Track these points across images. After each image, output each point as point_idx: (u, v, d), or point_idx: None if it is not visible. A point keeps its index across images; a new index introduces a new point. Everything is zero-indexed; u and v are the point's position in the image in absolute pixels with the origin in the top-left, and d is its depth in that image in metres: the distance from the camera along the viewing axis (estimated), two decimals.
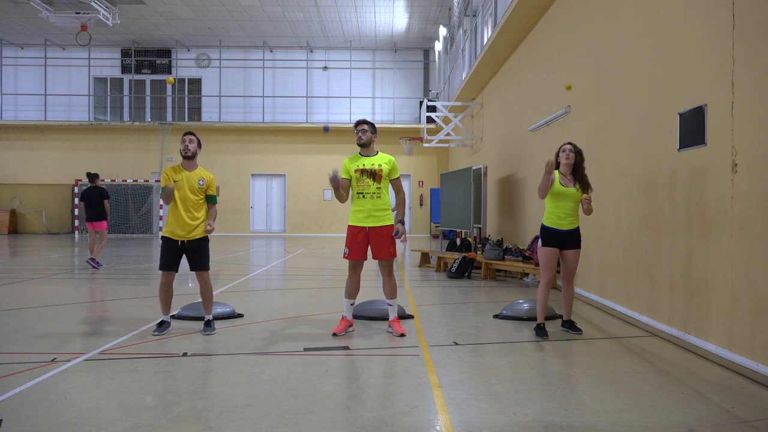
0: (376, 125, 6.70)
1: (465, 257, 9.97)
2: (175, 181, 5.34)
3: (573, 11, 8.18)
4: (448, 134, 17.18)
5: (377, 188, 5.40)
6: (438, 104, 16.74)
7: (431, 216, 23.45)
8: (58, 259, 13.42)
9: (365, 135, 5.50)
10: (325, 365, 4.39)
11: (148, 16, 20.91)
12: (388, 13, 20.74)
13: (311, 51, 24.59)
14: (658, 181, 5.46)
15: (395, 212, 5.57)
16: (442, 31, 20.41)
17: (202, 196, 5.45)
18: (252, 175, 24.18)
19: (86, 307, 7.03)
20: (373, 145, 5.56)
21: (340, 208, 22.69)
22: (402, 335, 5.33)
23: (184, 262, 5.45)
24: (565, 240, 5.41)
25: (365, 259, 5.46)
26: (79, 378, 4.03)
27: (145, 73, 24.58)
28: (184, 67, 24.63)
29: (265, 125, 23.61)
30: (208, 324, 5.48)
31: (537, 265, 8.56)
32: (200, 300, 5.65)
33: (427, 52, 24.78)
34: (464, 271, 9.87)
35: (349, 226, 5.47)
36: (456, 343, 5.09)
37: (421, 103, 22.18)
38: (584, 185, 5.41)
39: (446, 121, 18.80)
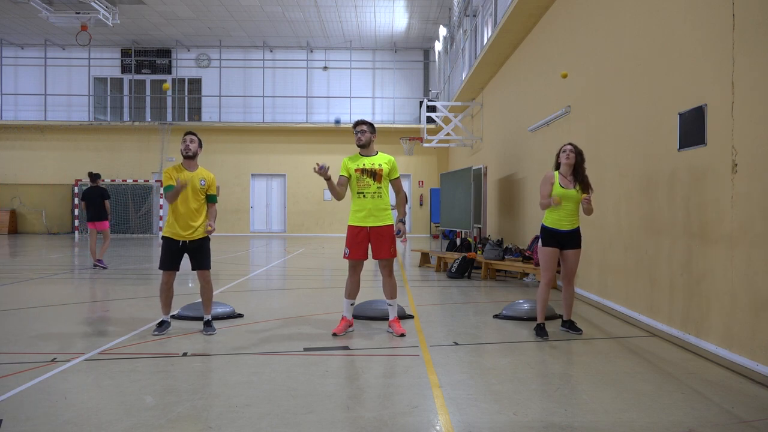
0: (376, 125, 6.70)
1: (465, 257, 9.97)
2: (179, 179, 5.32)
3: (573, 11, 8.18)
4: (448, 134, 17.18)
5: (378, 188, 5.40)
6: (438, 104, 16.74)
7: (431, 216, 23.45)
8: (58, 259, 13.42)
9: (364, 135, 5.50)
10: (325, 365, 4.39)
11: (148, 16, 20.91)
12: (388, 13, 20.74)
13: (311, 51, 24.59)
14: (658, 181, 5.46)
15: (395, 211, 5.58)
16: (442, 31, 20.41)
17: (203, 197, 5.45)
18: (252, 175, 24.19)
19: (86, 307, 7.03)
20: (373, 145, 5.56)
21: (340, 208, 22.69)
22: (402, 335, 5.33)
23: (184, 262, 5.45)
24: (566, 240, 5.41)
25: (366, 259, 5.46)
26: (79, 378, 4.03)
27: (145, 73, 24.58)
28: (184, 67, 24.63)
29: (265, 125, 23.61)
30: (208, 324, 5.48)
31: (537, 265, 8.56)
32: (200, 300, 5.65)
33: (427, 52, 24.79)
34: (464, 271, 9.87)
35: (350, 226, 5.47)
36: (456, 343, 5.09)
37: (421, 103, 22.18)
38: (585, 186, 5.41)
39: (446, 121, 18.80)
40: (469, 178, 12.36)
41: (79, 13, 17.23)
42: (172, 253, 5.34)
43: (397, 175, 5.55)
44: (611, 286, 6.66)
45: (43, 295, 7.79)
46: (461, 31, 16.94)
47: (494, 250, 9.83)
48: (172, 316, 6.02)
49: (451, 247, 11.97)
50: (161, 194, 23.03)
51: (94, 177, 11.57)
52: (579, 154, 5.46)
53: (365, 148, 5.52)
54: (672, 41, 5.25)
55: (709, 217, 4.59)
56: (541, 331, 5.32)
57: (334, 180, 5.41)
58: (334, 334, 5.34)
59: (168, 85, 6.74)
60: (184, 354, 4.66)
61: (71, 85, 24.31)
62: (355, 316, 6.00)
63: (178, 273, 5.48)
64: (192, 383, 3.94)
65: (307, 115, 24.09)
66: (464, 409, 3.44)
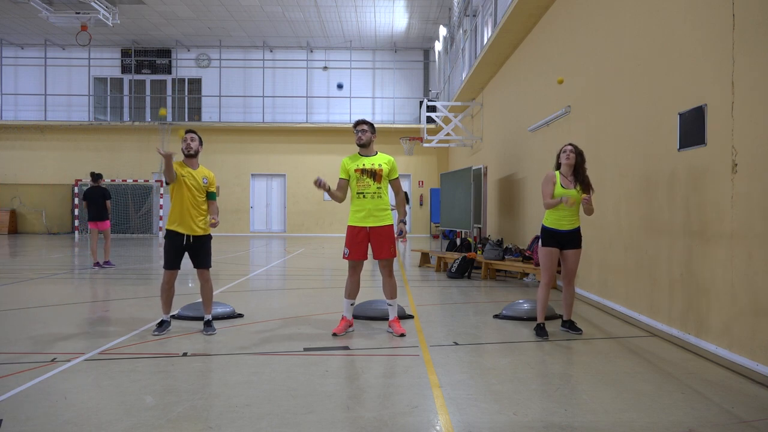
0: (376, 125, 6.70)
1: (465, 257, 9.97)
2: (182, 176, 5.33)
3: (573, 11, 8.18)
4: (448, 134, 17.18)
5: (377, 188, 5.40)
6: (438, 104, 16.74)
7: (431, 216, 23.46)
8: (58, 259, 13.42)
9: (365, 135, 5.50)
10: (325, 365, 4.39)
11: (148, 16, 20.91)
12: (388, 13, 20.74)
13: (311, 51, 24.59)
14: (658, 181, 5.46)
15: (395, 212, 5.58)
16: (442, 31, 20.41)
17: (204, 195, 5.49)
18: (252, 175, 24.19)
19: (86, 307, 7.03)
20: (373, 145, 5.56)
21: (340, 208, 22.69)
22: (402, 335, 5.33)
23: (185, 262, 5.46)
24: (566, 240, 5.41)
25: (365, 259, 5.46)
26: (79, 378, 4.03)
27: (145, 73, 24.58)
28: (184, 67, 24.63)
29: (265, 125, 23.61)
30: (208, 324, 5.49)
31: (537, 265, 8.56)
32: (200, 300, 5.65)
33: (427, 52, 24.78)
34: (464, 271, 9.87)
35: (349, 227, 5.47)
36: (456, 343, 5.09)
37: (421, 103, 22.18)
38: (585, 186, 5.41)
39: (446, 121, 18.80)
40: (469, 178, 12.36)
41: (79, 13, 17.23)
42: (175, 249, 5.36)
43: (397, 176, 5.56)
44: (611, 286, 6.66)
45: (43, 295, 7.79)
46: (461, 31, 16.94)
47: (494, 250, 9.83)
48: (172, 316, 6.02)
49: (451, 247, 11.97)
50: (161, 194, 23.05)
51: (95, 177, 11.67)
52: (579, 155, 5.47)
53: (365, 147, 5.52)
54: (672, 41, 5.25)
55: (709, 217, 4.59)
56: (541, 331, 5.33)
57: (333, 185, 5.44)
58: (334, 334, 5.34)
59: (165, 111, 6.73)
60: (184, 354, 4.67)
61: (71, 85, 24.31)
62: (355, 316, 6.00)
63: (178, 273, 5.49)
64: (192, 383, 3.94)
65: (307, 115, 24.09)
66: (464, 409, 3.44)
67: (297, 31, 22.71)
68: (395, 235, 5.51)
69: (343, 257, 5.49)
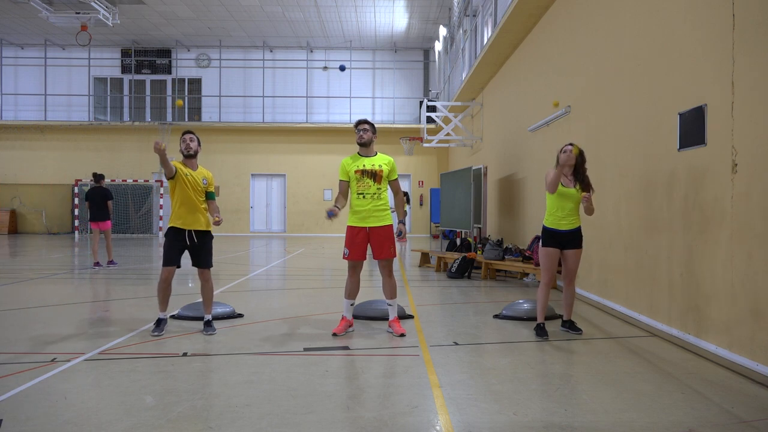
0: (376, 125, 6.71)
1: (465, 257, 9.97)
2: (184, 174, 5.33)
3: (573, 11, 8.18)
4: (448, 134, 17.18)
5: (377, 189, 5.41)
6: (438, 104, 16.74)
7: (431, 216, 23.45)
8: (58, 259, 13.42)
9: (366, 134, 5.51)
10: (325, 365, 4.39)
11: (148, 16, 20.91)
12: (388, 13, 20.74)
13: (311, 51, 24.59)
14: (658, 181, 5.46)
15: (394, 212, 5.59)
16: (442, 31, 20.41)
17: (203, 196, 5.50)
18: (252, 175, 24.19)
19: (86, 307, 7.03)
20: (373, 145, 5.57)
21: None
22: (402, 335, 5.33)
23: (185, 262, 5.45)
24: (566, 240, 5.41)
25: (365, 259, 5.47)
26: (79, 378, 4.03)
27: (145, 73, 24.58)
28: (184, 67, 24.63)
29: (265, 125, 23.61)
30: (209, 324, 5.48)
31: (537, 265, 8.56)
32: (200, 300, 5.65)
33: (427, 52, 24.78)
34: (464, 271, 9.87)
35: (349, 227, 5.47)
36: (456, 343, 5.09)
37: (421, 103, 22.18)
38: (585, 186, 5.41)
39: (446, 121, 18.80)
40: (469, 178, 12.36)
41: (79, 13, 17.23)
42: (176, 246, 5.35)
43: (396, 176, 5.57)
44: (611, 286, 6.66)
45: (43, 295, 7.79)
46: (461, 31, 16.94)
47: (494, 250, 9.83)
48: (172, 316, 6.02)
49: (451, 247, 11.97)
50: (161, 194, 23.05)
51: (98, 178, 11.80)
52: (580, 154, 5.47)
53: (366, 147, 5.53)
54: (672, 41, 5.25)
55: (709, 217, 4.59)
56: (541, 331, 5.33)
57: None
58: (334, 334, 5.34)
59: (181, 102, 6.80)
60: (184, 354, 4.67)
61: (71, 85, 24.31)
62: (355, 316, 6.00)
63: (178, 272, 5.48)
64: (192, 383, 3.94)
65: (307, 115, 24.09)
66: (464, 409, 3.44)
67: (297, 31, 22.71)
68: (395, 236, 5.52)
69: (343, 257, 5.49)
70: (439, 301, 7.67)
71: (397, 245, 6.30)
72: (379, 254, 5.41)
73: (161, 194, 23.08)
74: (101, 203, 11.39)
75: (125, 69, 24.54)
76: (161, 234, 22.12)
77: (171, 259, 5.35)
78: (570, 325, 5.55)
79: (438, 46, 21.52)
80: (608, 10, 6.85)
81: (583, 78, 7.63)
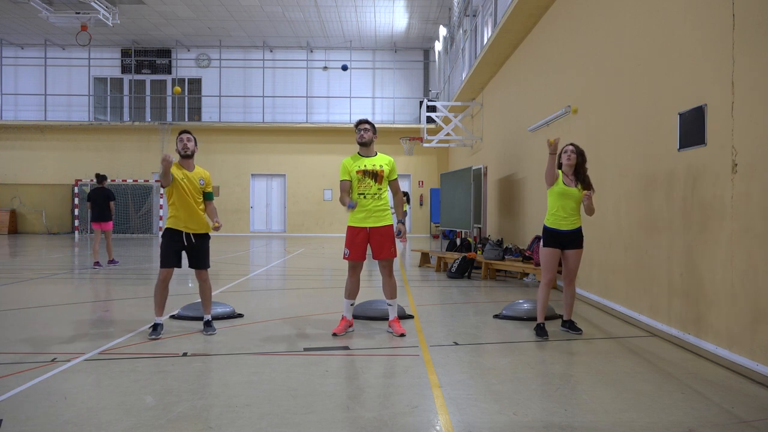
0: (376, 125, 6.71)
1: (465, 257, 9.97)
2: (180, 179, 5.31)
3: (573, 11, 8.18)
4: (448, 134, 17.18)
5: (378, 189, 5.42)
6: (438, 104, 16.74)
7: (431, 216, 23.45)
8: (58, 259, 13.42)
9: (367, 134, 5.51)
10: (325, 365, 4.39)
11: (148, 16, 20.91)
12: (388, 13, 20.74)
13: (311, 51, 24.59)
14: (658, 181, 5.46)
15: (394, 212, 5.59)
16: (442, 31, 20.41)
17: (201, 196, 5.46)
18: (252, 175, 24.19)
19: (86, 307, 7.03)
20: (373, 145, 5.57)
21: (340, 208, 22.64)
22: (402, 335, 5.33)
23: (184, 263, 5.45)
24: (566, 240, 5.41)
25: (365, 259, 5.47)
26: (79, 378, 4.03)
27: (145, 73, 24.58)
28: (184, 67, 24.63)
29: (265, 125, 23.61)
30: (208, 324, 5.48)
31: (537, 265, 8.56)
32: (200, 300, 5.64)
33: (427, 52, 24.78)
34: (464, 271, 9.87)
35: (349, 227, 5.47)
36: (456, 343, 5.09)
37: (421, 103, 22.18)
38: (586, 186, 5.41)
39: (446, 121, 18.80)
40: (469, 178, 12.36)
41: (79, 13, 17.23)
42: (173, 247, 5.32)
43: (396, 176, 5.57)
44: (611, 286, 6.66)
45: (43, 295, 7.79)
46: (461, 31, 16.94)
47: (494, 250, 9.83)
48: (172, 316, 6.02)
49: (451, 247, 11.97)
50: (161, 194, 23.04)
51: (101, 178, 11.91)
52: (580, 155, 5.47)
53: (366, 147, 5.53)
54: (672, 41, 5.25)
55: (709, 217, 4.59)
56: (541, 331, 5.33)
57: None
58: (334, 334, 5.34)
59: (179, 89, 6.79)
60: (184, 354, 4.66)
61: (71, 85, 24.31)
62: (355, 316, 6.00)
63: (177, 273, 5.47)
64: (192, 383, 3.94)
65: (307, 115, 24.09)
66: (464, 409, 3.44)
67: (297, 31, 22.71)
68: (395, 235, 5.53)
69: (343, 257, 5.49)
70: (439, 301, 7.67)
71: (398, 245, 6.30)
72: (379, 254, 5.41)
73: (161, 194, 23.05)
74: (103, 204, 11.49)
75: (125, 69, 24.54)
76: (161, 234, 22.12)
77: (169, 261, 5.32)
78: (570, 325, 5.55)
79: (438, 46, 21.52)
80: (608, 10, 6.86)
81: (583, 78, 7.63)
